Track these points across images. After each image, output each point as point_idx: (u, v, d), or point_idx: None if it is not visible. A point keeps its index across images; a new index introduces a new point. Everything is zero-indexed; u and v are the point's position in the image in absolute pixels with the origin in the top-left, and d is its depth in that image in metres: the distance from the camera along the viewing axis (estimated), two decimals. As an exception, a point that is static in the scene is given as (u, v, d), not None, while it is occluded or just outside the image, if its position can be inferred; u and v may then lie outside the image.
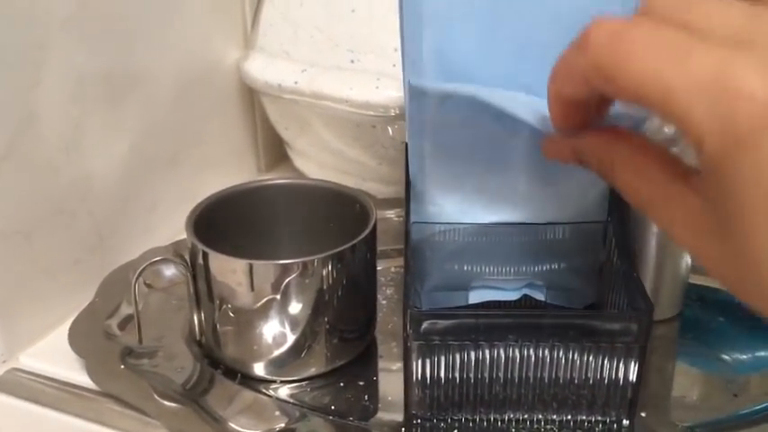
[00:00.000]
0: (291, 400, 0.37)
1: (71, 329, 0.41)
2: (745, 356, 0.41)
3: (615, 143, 0.26)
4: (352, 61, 0.49)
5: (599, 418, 0.35)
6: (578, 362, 0.34)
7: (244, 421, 0.35)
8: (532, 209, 0.38)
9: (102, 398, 0.39)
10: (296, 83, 0.50)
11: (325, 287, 0.36)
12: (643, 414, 0.36)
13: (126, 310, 0.41)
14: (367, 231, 0.37)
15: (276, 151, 0.60)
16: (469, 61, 0.35)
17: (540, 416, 0.35)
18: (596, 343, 0.33)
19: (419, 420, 0.35)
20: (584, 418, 0.35)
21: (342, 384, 0.38)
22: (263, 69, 0.52)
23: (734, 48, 0.20)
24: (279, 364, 0.37)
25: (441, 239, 0.39)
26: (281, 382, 0.38)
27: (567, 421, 0.35)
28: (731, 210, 0.21)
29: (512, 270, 0.40)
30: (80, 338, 0.40)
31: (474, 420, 0.35)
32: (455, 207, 0.38)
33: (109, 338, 0.40)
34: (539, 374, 0.34)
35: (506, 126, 0.35)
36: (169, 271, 0.36)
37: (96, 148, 0.44)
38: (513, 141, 0.36)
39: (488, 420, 0.35)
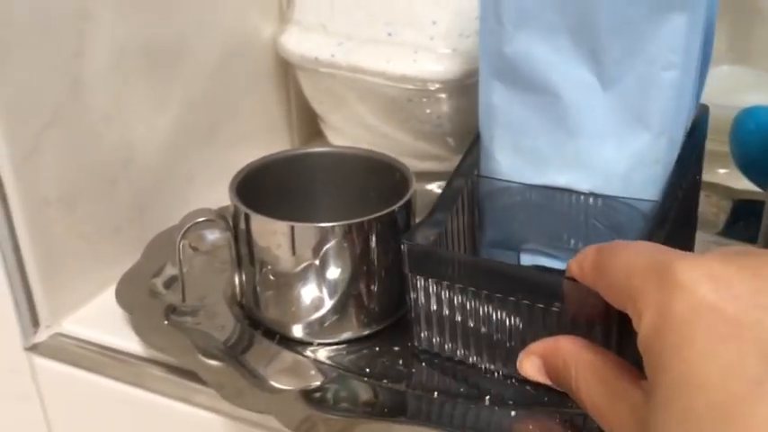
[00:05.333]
0: (328, 362, 0.39)
1: (118, 287, 0.44)
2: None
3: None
4: (390, 34, 0.51)
5: None
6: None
7: (281, 378, 0.38)
8: (578, 174, 0.39)
9: (143, 362, 0.42)
10: (332, 56, 0.52)
11: (364, 252, 0.39)
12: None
13: (171, 270, 0.44)
14: (407, 197, 0.40)
15: (310, 126, 0.63)
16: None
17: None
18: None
19: (420, 353, 0.39)
20: None
21: (377, 349, 0.40)
22: (299, 43, 0.54)
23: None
24: (317, 327, 0.40)
25: (497, 196, 0.41)
26: (319, 344, 0.41)
27: None
28: (650, 387, 0.25)
29: (561, 238, 0.40)
30: (126, 295, 0.43)
31: (474, 365, 0.38)
32: (509, 163, 0.40)
33: (154, 296, 0.43)
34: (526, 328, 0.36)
35: (559, 86, 0.37)
36: (213, 235, 0.39)
37: (137, 119, 0.48)
38: (565, 102, 0.38)
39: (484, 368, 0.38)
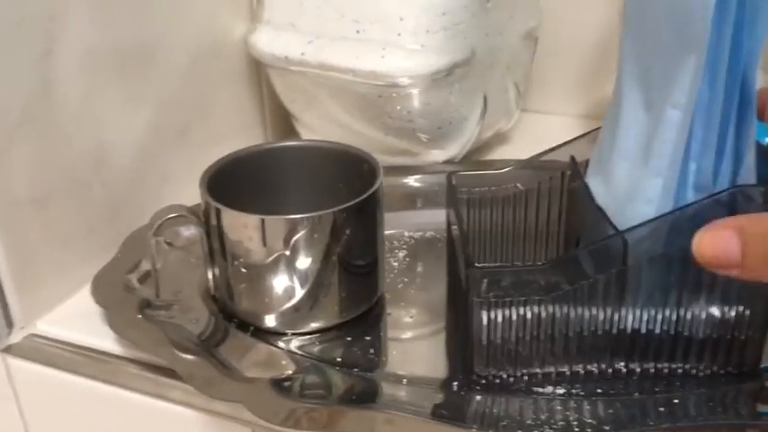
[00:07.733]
0: (300, 352, 0.40)
1: (93, 282, 0.45)
2: None
3: None
4: (358, 31, 0.52)
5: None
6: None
7: (254, 369, 0.39)
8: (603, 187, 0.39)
9: (117, 360, 0.43)
10: (302, 54, 0.54)
11: (333, 242, 0.40)
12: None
13: (146, 266, 0.45)
14: (374, 188, 0.41)
15: (283, 125, 0.64)
16: None
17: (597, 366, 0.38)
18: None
19: (479, 377, 0.38)
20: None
21: (349, 338, 0.41)
22: (270, 42, 0.55)
23: None
24: (289, 318, 0.41)
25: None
26: (292, 334, 0.42)
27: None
28: None
29: None
30: (101, 291, 0.44)
31: (534, 374, 0.38)
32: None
33: (128, 291, 0.44)
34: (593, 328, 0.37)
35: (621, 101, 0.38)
36: (188, 231, 0.40)
37: (109, 119, 0.48)
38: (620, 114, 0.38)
39: (549, 373, 0.38)
